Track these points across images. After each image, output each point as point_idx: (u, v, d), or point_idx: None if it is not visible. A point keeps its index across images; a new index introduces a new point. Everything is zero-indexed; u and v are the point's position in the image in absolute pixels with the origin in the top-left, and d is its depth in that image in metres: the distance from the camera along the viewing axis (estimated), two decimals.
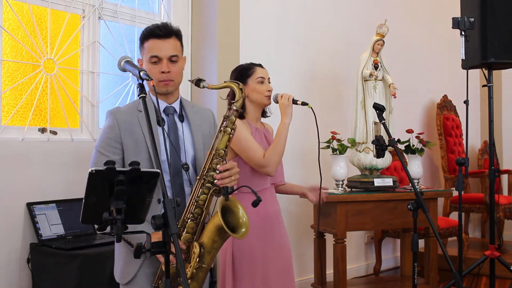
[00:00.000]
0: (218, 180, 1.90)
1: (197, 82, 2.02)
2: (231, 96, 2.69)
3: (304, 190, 2.87)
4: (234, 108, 2.00)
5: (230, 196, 1.90)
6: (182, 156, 2.03)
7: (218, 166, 1.92)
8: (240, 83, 2.07)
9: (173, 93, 2.09)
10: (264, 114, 2.77)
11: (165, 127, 2.03)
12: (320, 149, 2.66)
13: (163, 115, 2.05)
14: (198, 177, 1.95)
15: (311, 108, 2.57)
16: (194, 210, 1.91)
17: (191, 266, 1.84)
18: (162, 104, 2.07)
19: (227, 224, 1.85)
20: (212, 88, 2.02)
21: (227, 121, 1.99)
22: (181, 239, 1.88)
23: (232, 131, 1.99)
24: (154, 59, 2.02)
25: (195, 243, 1.87)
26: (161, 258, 1.85)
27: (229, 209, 1.92)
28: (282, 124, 2.60)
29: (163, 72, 2.02)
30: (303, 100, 2.65)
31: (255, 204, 1.94)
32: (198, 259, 1.84)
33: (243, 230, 1.91)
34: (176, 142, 2.04)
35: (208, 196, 1.93)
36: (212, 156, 1.94)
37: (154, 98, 2.06)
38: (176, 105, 2.11)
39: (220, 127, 1.99)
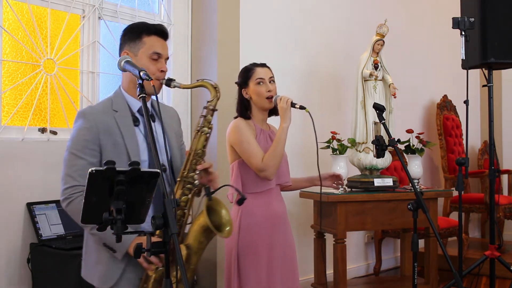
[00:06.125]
0: (198, 179, 1.89)
1: (167, 82, 2.00)
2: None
3: (314, 181, 2.82)
4: (210, 107, 1.97)
5: (212, 195, 1.88)
6: (189, 158, 1.99)
7: (198, 166, 1.91)
8: (214, 82, 2.02)
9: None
10: (276, 112, 2.69)
11: (141, 127, 2.00)
12: (318, 153, 2.60)
13: (137, 115, 2.01)
14: (178, 179, 1.93)
15: (309, 112, 2.52)
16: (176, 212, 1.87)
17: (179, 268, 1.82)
18: (136, 104, 2.03)
19: (212, 223, 1.84)
20: (184, 88, 1.99)
21: (204, 121, 1.96)
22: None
23: (210, 130, 1.96)
24: (156, 55, 1.99)
25: (181, 245, 1.84)
26: (143, 263, 1.82)
27: (213, 208, 1.91)
28: (281, 128, 2.56)
29: (162, 71, 2.01)
30: (302, 103, 2.59)
31: (240, 202, 1.93)
32: (185, 260, 1.83)
33: (228, 228, 1.90)
34: (152, 141, 2.00)
35: (190, 197, 1.92)
36: (191, 157, 1.92)
37: (127, 96, 2.02)
38: (149, 105, 2.07)
39: (197, 127, 1.96)
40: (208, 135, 1.96)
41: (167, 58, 2.06)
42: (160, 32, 2.03)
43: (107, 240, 1.89)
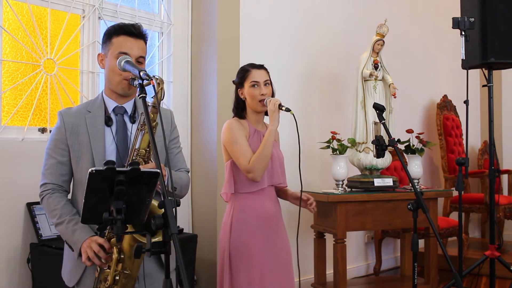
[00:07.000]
0: None
1: (132, 81, 1.87)
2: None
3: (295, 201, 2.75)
4: (150, 104, 1.84)
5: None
6: (129, 158, 1.93)
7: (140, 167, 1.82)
8: (159, 77, 1.86)
9: (131, 94, 2.02)
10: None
11: (113, 127, 1.97)
12: (300, 157, 2.57)
13: (112, 115, 1.98)
14: None
15: (293, 115, 2.48)
16: None
17: (110, 272, 1.79)
18: (112, 104, 2.00)
19: (148, 227, 1.75)
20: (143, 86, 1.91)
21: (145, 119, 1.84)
22: (110, 243, 1.81)
23: (153, 129, 1.85)
24: (122, 55, 1.89)
25: (114, 248, 1.80)
26: (86, 262, 1.81)
27: (151, 212, 1.81)
28: (268, 130, 2.53)
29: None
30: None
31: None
32: (119, 264, 1.79)
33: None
34: (124, 143, 1.97)
35: None
36: (133, 157, 1.86)
37: (104, 96, 2.00)
38: (128, 106, 2.01)
39: (139, 126, 1.87)
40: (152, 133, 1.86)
41: (142, 57, 1.98)
42: (129, 32, 1.96)
43: (65, 237, 1.91)
